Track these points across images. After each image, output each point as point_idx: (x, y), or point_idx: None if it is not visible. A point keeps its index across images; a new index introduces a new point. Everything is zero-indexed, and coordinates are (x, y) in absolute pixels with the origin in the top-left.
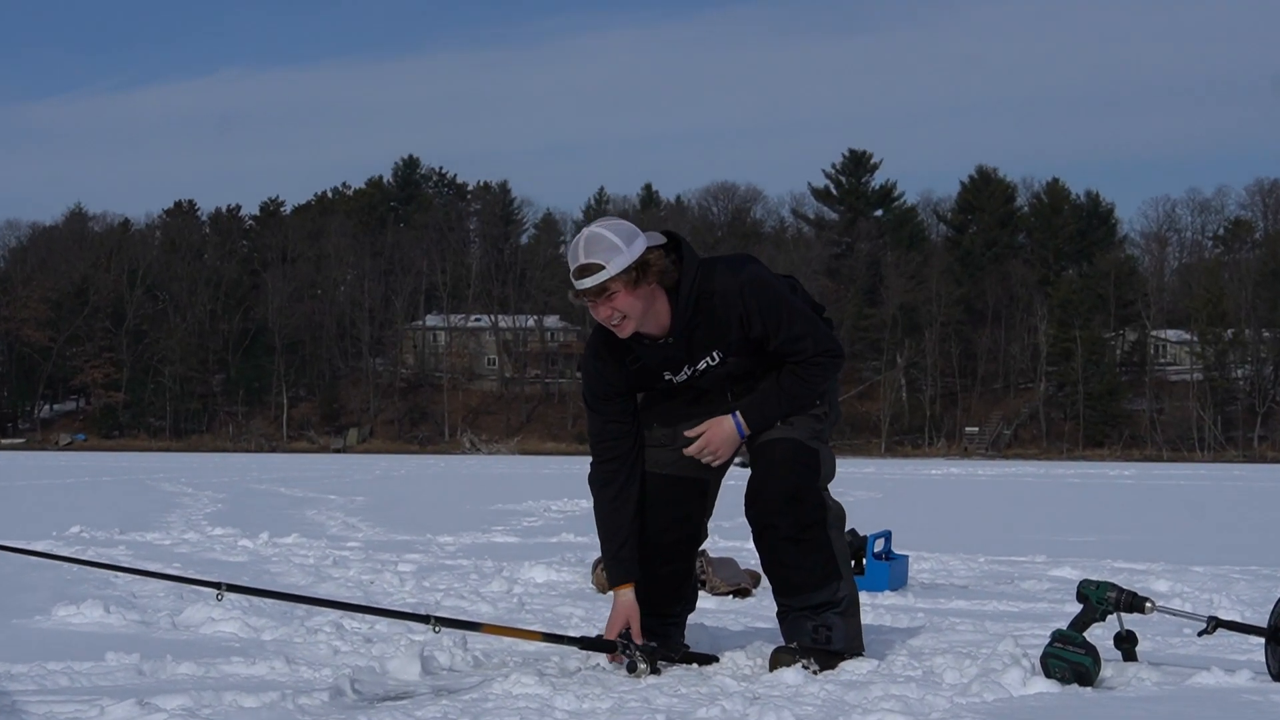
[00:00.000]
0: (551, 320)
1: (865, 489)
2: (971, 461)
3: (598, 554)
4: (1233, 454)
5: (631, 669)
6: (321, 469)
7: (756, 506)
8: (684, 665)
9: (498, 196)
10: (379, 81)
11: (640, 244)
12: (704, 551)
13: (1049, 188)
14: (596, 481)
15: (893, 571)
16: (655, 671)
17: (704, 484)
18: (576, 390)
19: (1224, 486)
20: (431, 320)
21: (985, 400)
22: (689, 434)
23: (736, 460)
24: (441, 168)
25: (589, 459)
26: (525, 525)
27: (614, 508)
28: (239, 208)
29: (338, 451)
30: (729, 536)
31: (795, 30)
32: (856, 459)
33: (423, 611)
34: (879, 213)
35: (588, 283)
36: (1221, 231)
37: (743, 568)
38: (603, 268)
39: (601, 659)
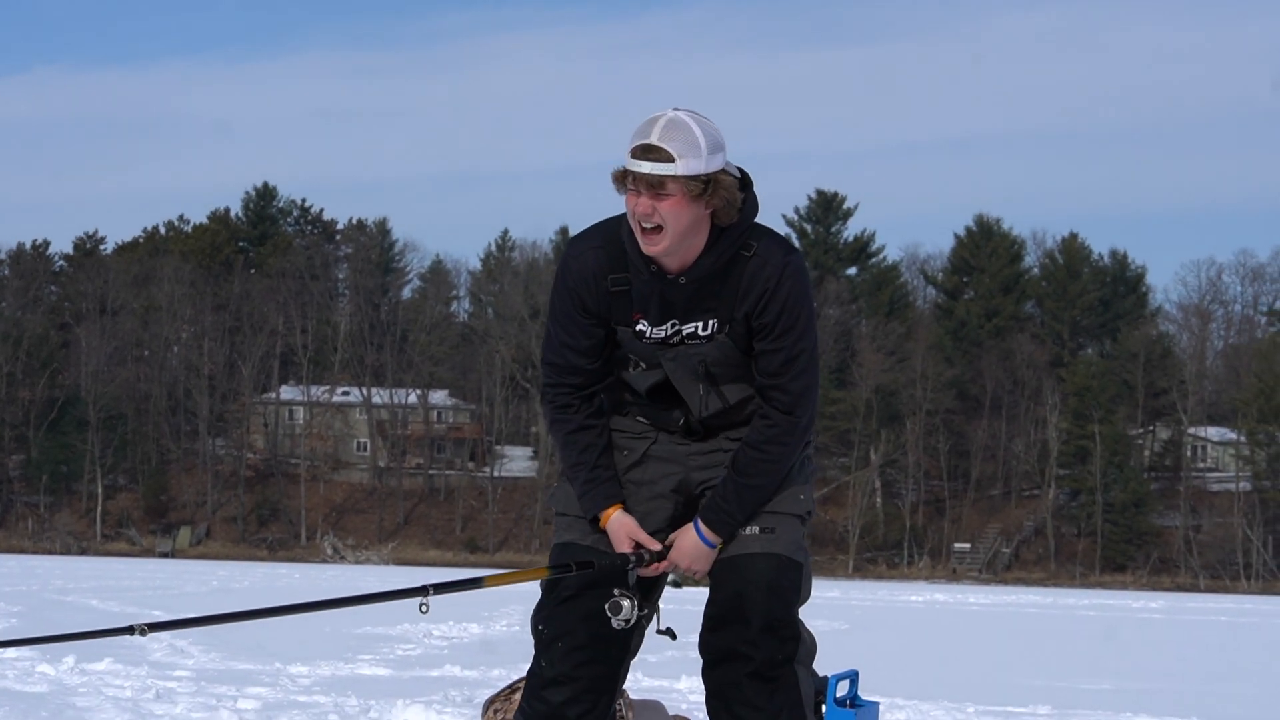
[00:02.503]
0: (438, 396)
1: (827, 617)
2: (961, 586)
3: (489, 692)
4: None
5: (614, 610)
6: (144, 577)
7: (723, 634)
8: None
9: (374, 238)
10: (227, 88)
11: (720, 159)
12: (624, 692)
13: (1065, 245)
14: (551, 404)
15: None
16: (645, 613)
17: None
18: (468, 484)
19: (1274, 624)
20: (287, 392)
21: (980, 510)
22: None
23: (669, 579)
24: (304, 200)
25: (474, 566)
26: (400, 654)
27: (578, 435)
28: (47, 244)
29: (165, 555)
30: (654, 674)
31: (756, 40)
32: (818, 580)
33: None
34: (852, 271)
35: (646, 168)
36: (1279, 305)
37: (671, 714)
38: (672, 160)
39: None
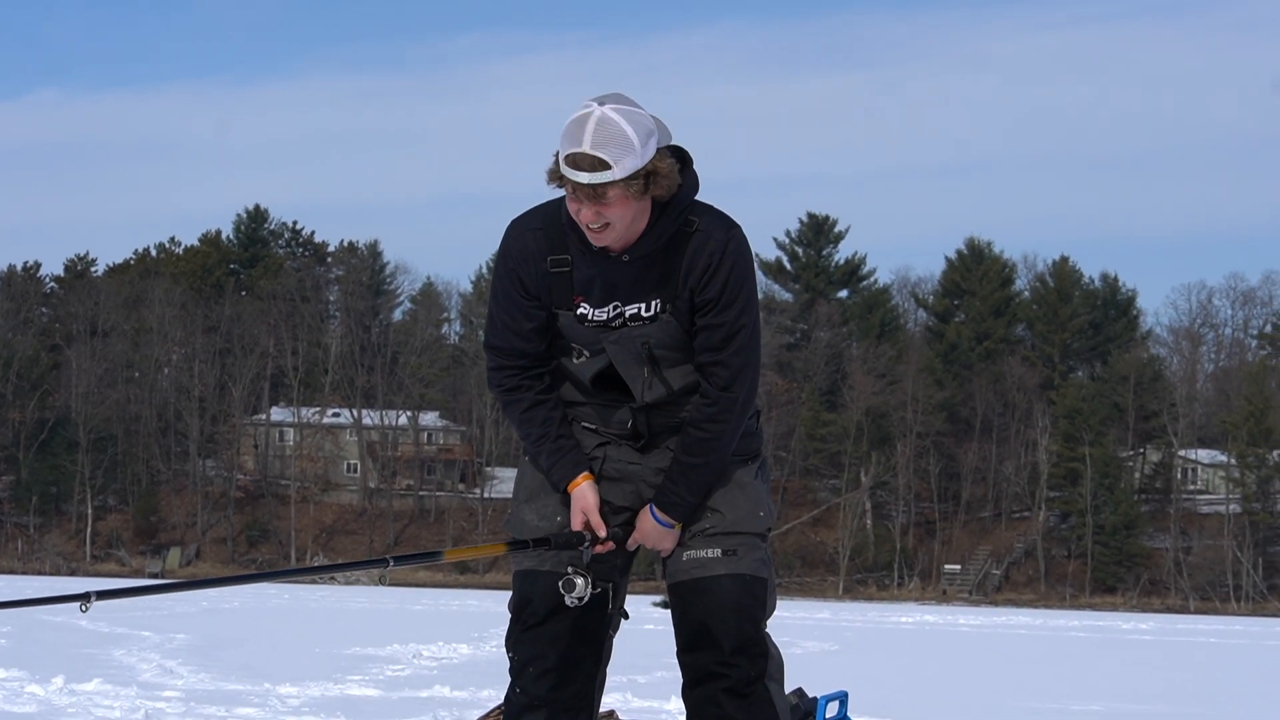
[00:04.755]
0: (429, 418)
1: (817, 639)
2: (951, 608)
3: (479, 713)
4: (1276, 606)
5: (568, 588)
6: (133, 599)
7: (698, 655)
8: None
9: (365, 260)
10: (224, 112)
11: (654, 146)
12: (613, 714)
13: (1056, 268)
14: (499, 388)
15: None
16: (599, 591)
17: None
18: (459, 506)
19: (1265, 646)
20: (278, 414)
21: (970, 532)
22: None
23: (653, 601)
24: (295, 223)
25: (464, 588)
26: (389, 675)
27: (534, 412)
28: (38, 266)
29: (155, 576)
30: (644, 694)
31: (755, 66)
32: (808, 601)
33: None
34: (844, 294)
35: (584, 179)
36: (1269, 329)
37: None
38: (609, 167)
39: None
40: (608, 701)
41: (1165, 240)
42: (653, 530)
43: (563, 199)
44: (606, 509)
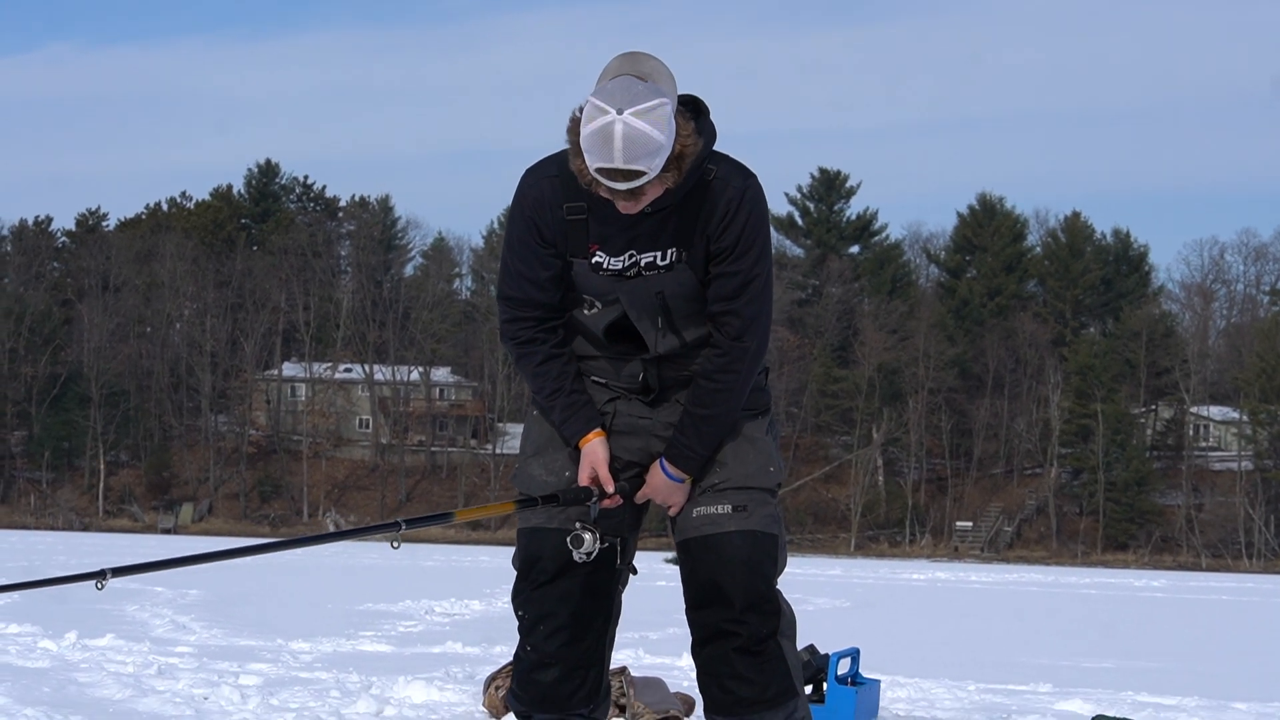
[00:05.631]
0: (441, 373)
1: (829, 596)
2: (963, 564)
3: (491, 669)
4: None
5: (576, 543)
6: (146, 553)
7: (708, 612)
8: None
9: (377, 215)
10: (235, 66)
11: (674, 127)
12: (625, 670)
13: (1068, 224)
14: (513, 340)
15: (860, 700)
16: (607, 547)
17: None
18: (470, 462)
19: (1276, 604)
20: (290, 369)
21: (982, 489)
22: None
23: (665, 558)
24: (307, 177)
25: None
26: (401, 631)
27: (548, 365)
28: (49, 220)
29: (167, 532)
30: (656, 651)
31: (764, 21)
32: (819, 558)
33: None
34: (855, 249)
35: (622, 186)
36: None
37: (673, 690)
38: (644, 173)
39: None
40: (619, 659)
41: (1178, 196)
42: (663, 485)
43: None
44: (616, 464)
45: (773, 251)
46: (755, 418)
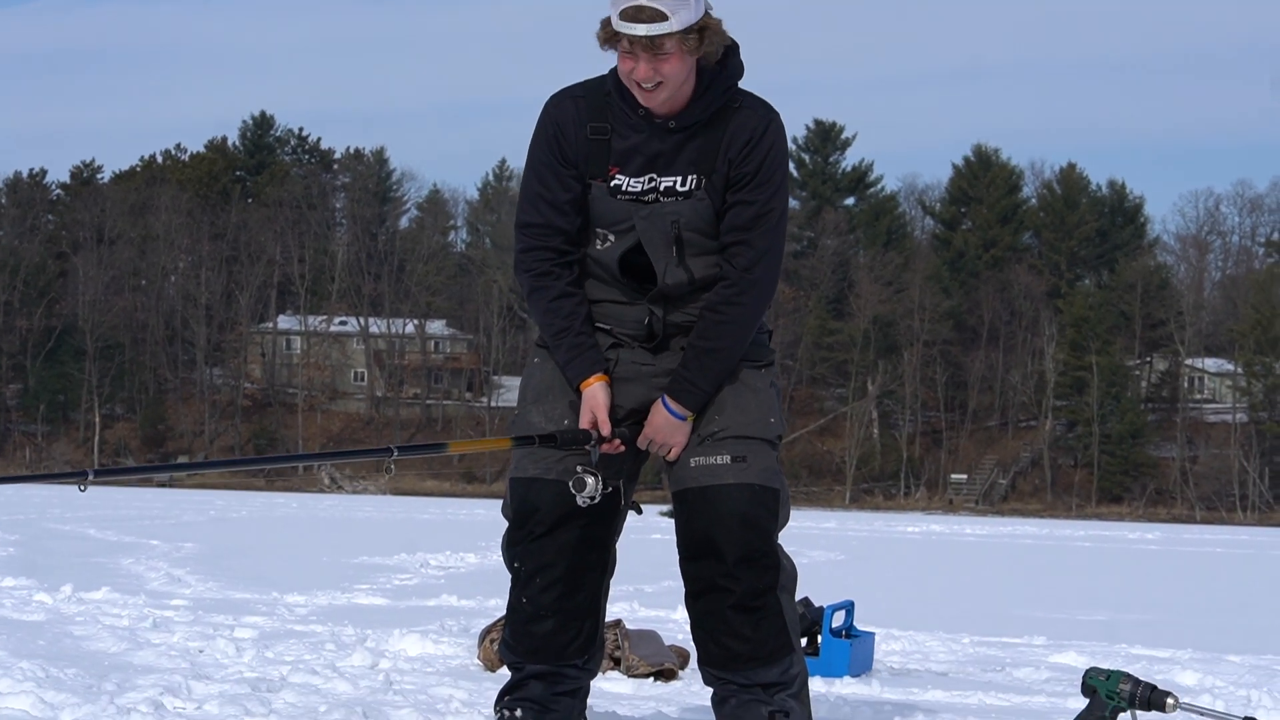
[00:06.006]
0: (435, 326)
1: (824, 549)
2: (958, 517)
3: (486, 622)
4: None
5: (579, 486)
6: (142, 507)
7: (701, 564)
8: None
9: (372, 168)
10: (230, 17)
11: (703, 3)
12: (619, 623)
13: (1063, 176)
14: (529, 273)
15: (855, 652)
16: (610, 491)
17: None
18: (465, 415)
19: (1271, 556)
20: (285, 322)
21: (977, 441)
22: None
23: (660, 511)
24: (301, 129)
25: (471, 497)
26: (396, 584)
27: (560, 303)
28: (44, 173)
29: (163, 485)
30: (651, 604)
31: None
32: (815, 510)
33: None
34: (850, 201)
35: (641, 30)
36: (1276, 236)
37: (667, 643)
38: (666, 18)
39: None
40: (614, 611)
41: (1173, 147)
42: (664, 423)
43: (602, 77)
44: (618, 412)
45: (789, 197)
46: (758, 369)
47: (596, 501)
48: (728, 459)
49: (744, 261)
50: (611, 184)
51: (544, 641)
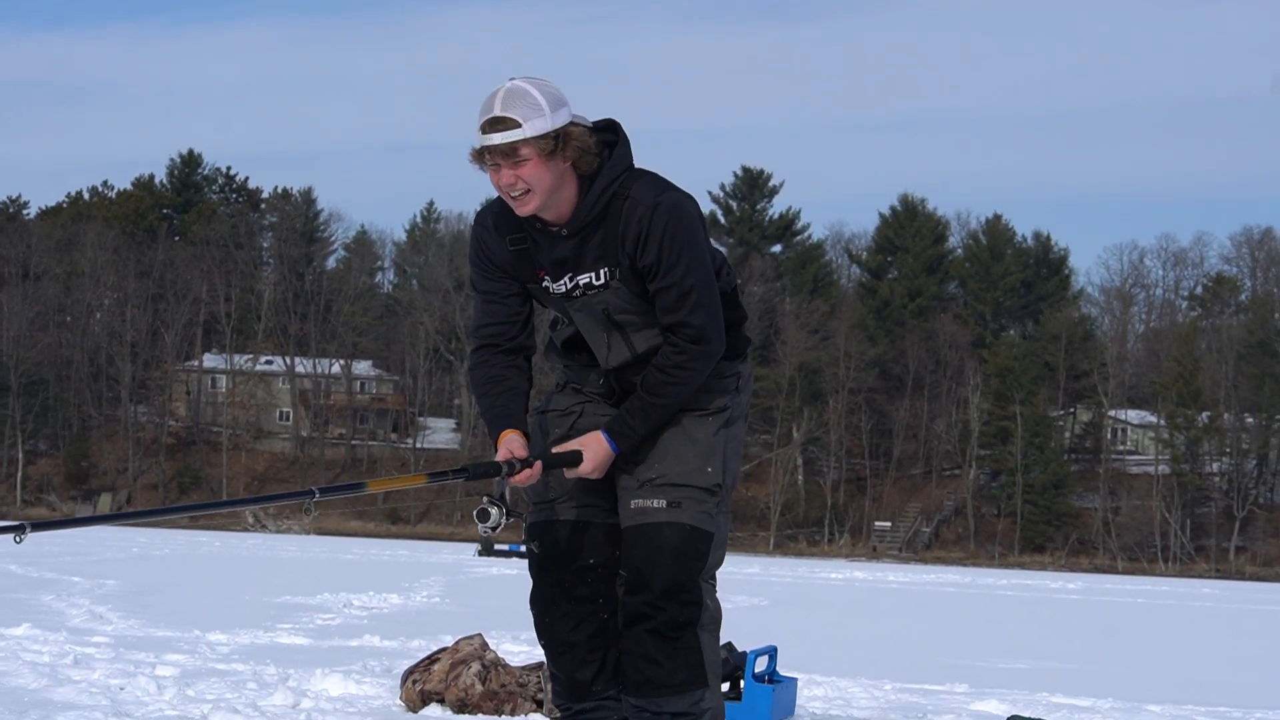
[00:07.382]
0: (362, 366)
1: (748, 593)
2: (881, 565)
3: (409, 663)
4: (1203, 567)
5: (482, 517)
6: (65, 542)
7: (634, 597)
8: None
9: (299, 208)
10: (160, 55)
11: (565, 114)
12: (542, 665)
13: (989, 226)
14: (474, 369)
15: (777, 698)
16: (514, 516)
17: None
18: (390, 455)
19: (1191, 607)
20: (210, 360)
21: (900, 489)
22: (557, 449)
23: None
24: (229, 168)
25: (395, 538)
26: (319, 624)
27: (495, 386)
28: None
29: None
30: None
31: (690, 17)
32: (738, 555)
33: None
34: (777, 248)
35: (496, 139)
36: (1199, 290)
37: None
38: (518, 125)
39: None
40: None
41: (1098, 200)
42: (595, 446)
43: None
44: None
45: (712, 256)
46: (705, 417)
47: (497, 531)
48: (664, 504)
49: (689, 335)
50: (542, 286)
51: (572, 678)
